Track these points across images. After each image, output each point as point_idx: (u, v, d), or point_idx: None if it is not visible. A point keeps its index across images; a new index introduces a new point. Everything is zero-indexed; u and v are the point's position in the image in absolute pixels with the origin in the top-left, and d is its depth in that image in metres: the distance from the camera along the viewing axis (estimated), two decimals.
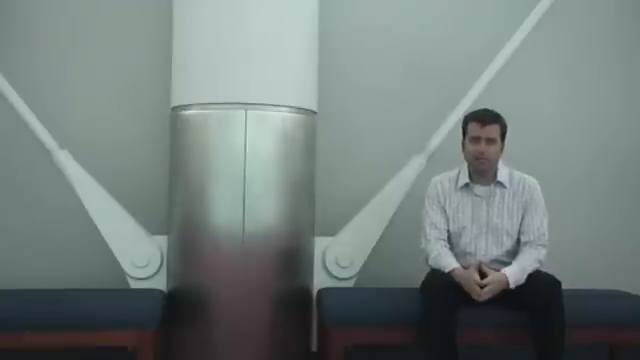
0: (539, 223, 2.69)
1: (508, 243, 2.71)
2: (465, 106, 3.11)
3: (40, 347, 2.59)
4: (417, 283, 2.72)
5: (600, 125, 3.51)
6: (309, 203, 2.97)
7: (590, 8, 3.50)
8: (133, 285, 2.98)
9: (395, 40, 3.39)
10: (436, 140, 3.14)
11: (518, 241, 2.72)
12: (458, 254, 2.70)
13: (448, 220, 2.74)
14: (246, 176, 2.76)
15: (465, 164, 2.75)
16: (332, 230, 3.10)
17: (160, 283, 2.96)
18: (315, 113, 2.99)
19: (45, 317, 2.55)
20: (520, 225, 2.71)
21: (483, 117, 2.67)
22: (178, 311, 2.85)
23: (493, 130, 2.65)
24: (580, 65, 3.50)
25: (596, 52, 3.52)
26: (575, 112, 3.50)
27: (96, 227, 2.98)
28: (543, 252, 2.67)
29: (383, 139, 3.36)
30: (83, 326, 2.56)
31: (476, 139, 2.65)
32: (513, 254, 2.69)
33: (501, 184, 2.71)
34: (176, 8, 2.93)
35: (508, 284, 2.54)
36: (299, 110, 2.87)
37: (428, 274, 2.70)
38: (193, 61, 2.84)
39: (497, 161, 2.70)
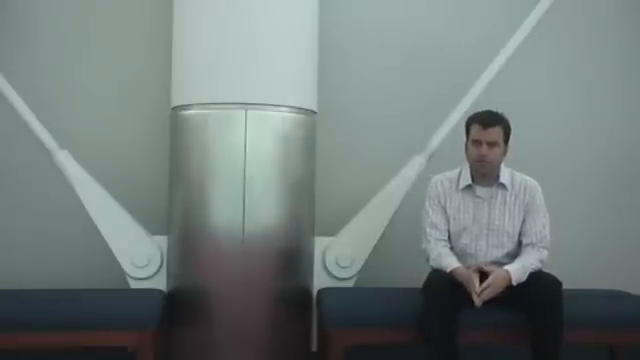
0: (541, 226, 2.68)
1: (509, 245, 2.70)
2: (465, 106, 3.10)
3: (40, 347, 2.58)
4: (417, 283, 2.72)
5: (599, 125, 3.52)
6: (309, 203, 2.97)
7: (589, 8, 3.51)
8: (133, 285, 2.97)
9: (395, 40, 3.40)
10: (436, 140, 3.13)
11: (519, 243, 2.72)
12: (458, 254, 2.70)
13: (449, 220, 2.74)
14: (246, 176, 2.76)
15: (467, 165, 2.74)
16: (332, 230, 3.10)
17: (160, 283, 2.95)
18: (315, 113, 2.99)
19: (45, 317, 2.54)
20: (521, 227, 2.70)
21: (485, 119, 2.63)
22: (178, 311, 2.85)
23: (495, 133, 2.61)
24: (579, 65, 3.51)
25: (595, 52, 3.52)
26: (574, 112, 3.51)
27: (96, 227, 2.98)
28: (545, 253, 2.67)
29: (383, 139, 3.36)
30: (83, 326, 2.56)
31: (478, 142, 2.62)
32: (513, 256, 2.69)
33: (503, 186, 2.70)
34: (176, 8, 2.93)
35: (510, 280, 2.53)
36: (299, 110, 2.87)
37: (430, 274, 2.70)
38: (193, 61, 2.84)
39: (500, 164, 2.68)
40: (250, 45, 2.77)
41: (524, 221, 2.70)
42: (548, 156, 3.43)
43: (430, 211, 2.75)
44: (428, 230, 2.73)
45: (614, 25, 3.54)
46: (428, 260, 2.73)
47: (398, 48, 3.40)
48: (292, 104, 2.84)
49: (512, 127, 2.71)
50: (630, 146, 3.54)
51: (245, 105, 2.77)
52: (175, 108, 2.90)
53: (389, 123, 3.37)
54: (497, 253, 2.69)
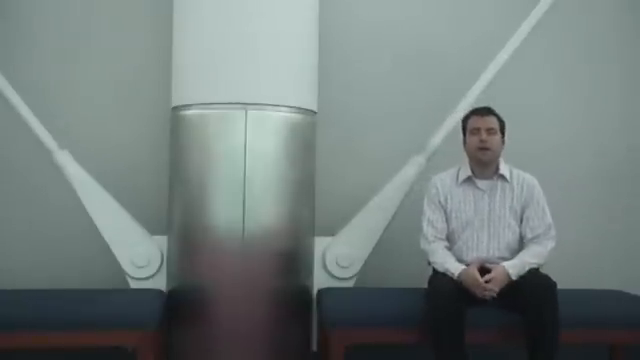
0: (542, 214, 2.70)
1: (509, 236, 2.71)
2: (465, 106, 3.08)
3: (40, 347, 2.58)
4: (417, 283, 2.72)
5: (599, 125, 3.52)
6: (309, 203, 2.97)
7: (589, 8, 3.51)
8: (133, 285, 2.97)
9: (395, 41, 3.40)
10: (436, 140, 3.13)
11: (519, 236, 2.72)
12: (461, 248, 2.71)
13: (451, 215, 2.74)
14: (246, 176, 2.76)
15: (466, 160, 2.77)
16: (332, 230, 3.10)
17: (160, 283, 2.95)
18: (315, 113, 2.99)
19: (45, 317, 2.54)
20: (522, 220, 2.71)
21: (481, 110, 2.76)
22: (178, 311, 2.85)
23: (492, 121, 2.71)
24: (579, 65, 3.51)
25: (595, 53, 3.53)
26: (574, 112, 3.51)
27: (96, 227, 2.97)
28: (550, 246, 2.68)
29: (383, 139, 3.37)
30: (83, 326, 2.55)
31: (477, 130, 2.70)
32: (513, 249, 2.70)
33: (503, 177, 2.73)
34: (176, 8, 2.93)
35: (509, 275, 2.54)
36: (299, 110, 2.87)
37: (432, 279, 2.69)
38: (193, 61, 2.84)
39: (499, 154, 2.73)
40: (250, 45, 2.77)
41: (526, 217, 2.71)
42: (548, 156, 3.43)
43: (428, 210, 2.77)
44: (426, 228, 2.75)
45: (613, 25, 3.54)
46: (428, 261, 2.73)
47: (398, 48, 3.40)
48: (292, 104, 2.84)
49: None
50: (630, 146, 3.54)
51: (245, 105, 2.77)
52: (175, 108, 2.90)
53: (389, 123, 3.38)
54: (498, 245, 2.70)
